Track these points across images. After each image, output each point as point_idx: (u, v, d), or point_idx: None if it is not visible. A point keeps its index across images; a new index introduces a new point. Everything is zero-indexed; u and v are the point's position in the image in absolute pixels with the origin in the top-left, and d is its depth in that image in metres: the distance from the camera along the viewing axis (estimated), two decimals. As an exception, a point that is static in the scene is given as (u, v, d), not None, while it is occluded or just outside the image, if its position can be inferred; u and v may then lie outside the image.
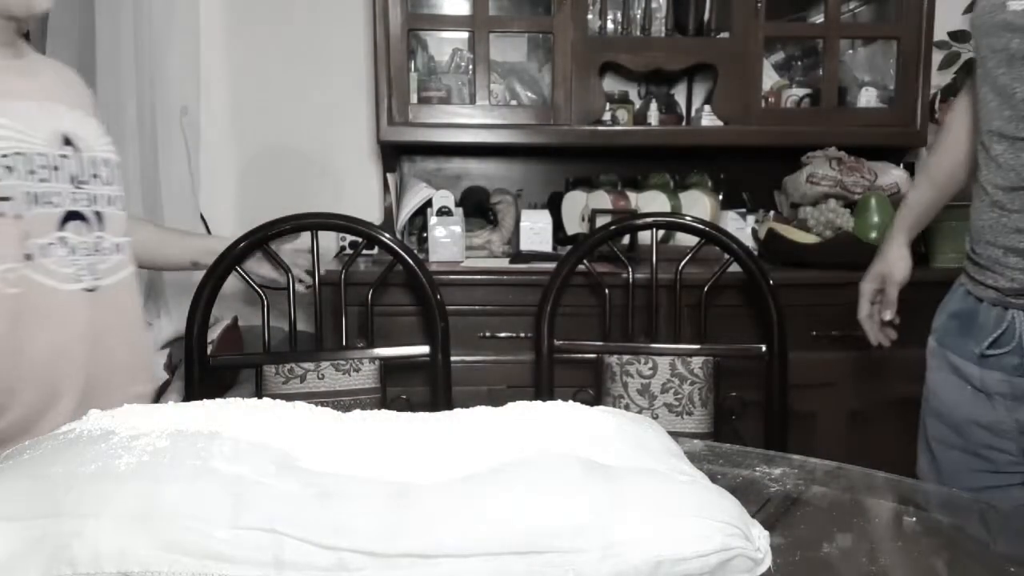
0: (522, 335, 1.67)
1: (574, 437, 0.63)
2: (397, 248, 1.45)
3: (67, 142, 1.03)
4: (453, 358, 1.49)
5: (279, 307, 1.52)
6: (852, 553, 0.65)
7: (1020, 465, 1.06)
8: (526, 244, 1.88)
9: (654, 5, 1.97)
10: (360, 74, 2.19)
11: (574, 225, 2.02)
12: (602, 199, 1.93)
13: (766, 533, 0.56)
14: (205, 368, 1.41)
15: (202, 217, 2.07)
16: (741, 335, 1.58)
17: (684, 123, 2.13)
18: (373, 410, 0.70)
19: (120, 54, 1.80)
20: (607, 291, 1.50)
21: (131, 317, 1.13)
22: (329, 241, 2.12)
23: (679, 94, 2.23)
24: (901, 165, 1.96)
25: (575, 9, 1.88)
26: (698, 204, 1.97)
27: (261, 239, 1.42)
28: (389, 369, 1.49)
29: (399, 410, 0.71)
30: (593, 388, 1.51)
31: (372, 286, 1.48)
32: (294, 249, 1.50)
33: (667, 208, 1.93)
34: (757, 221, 1.98)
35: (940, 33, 2.05)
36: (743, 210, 2.02)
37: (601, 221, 1.72)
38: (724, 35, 1.97)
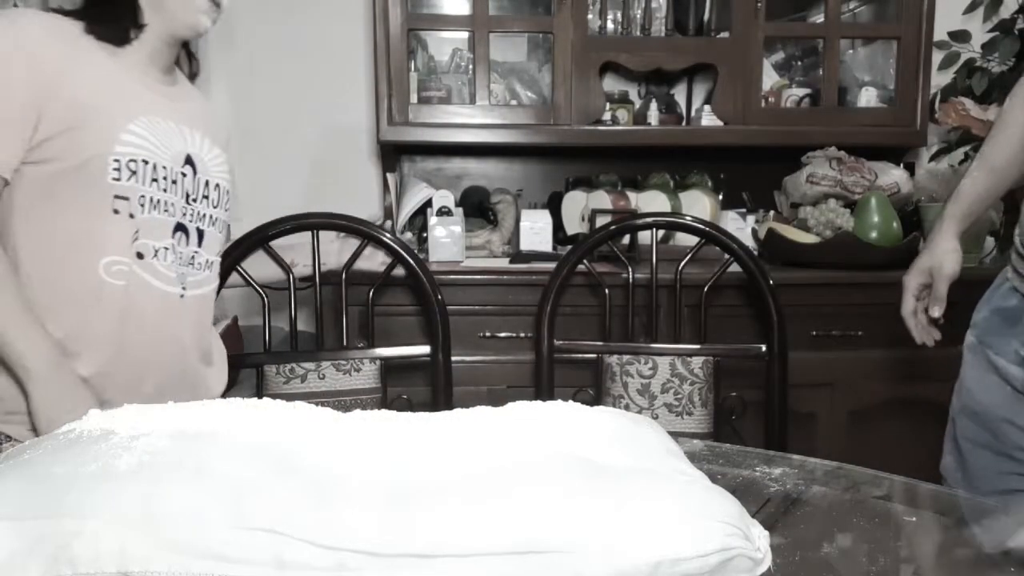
0: (522, 335, 1.67)
1: (574, 437, 0.63)
2: (398, 248, 1.45)
3: (188, 161, 1.13)
4: (453, 358, 1.49)
5: (280, 307, 1.52)
6: (852, 553, 0.65)
7: None
8: (526, 244, 1.88)
9: (654, 5, 1.97)
10: (360, 74, 2.19)
11: (574, 225, 2.02)
12: (602, 199, 1.93)
13: (766, 533, 0.56)
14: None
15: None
16: (741, 335, 1.58)
17: (684, 123, 2.13)
18: (373, 410, 0.70)
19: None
20: (607, 291, 1.50)
21: (205, 326, 1.21)
22: (327, 235, 2.12)
23: (679, 94, 2.23)
24: (901, 165, 1.96)
25: (575, 9, 1.88)
26: (698, 204, 1.97)
27: (261, 239, 1.42)
28: (390, 369, 1.48)
29: (400, 410, 0.71)
30: (593, 388, 1.51)
31: (373, 286, 1.48)
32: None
33: (667, 208, 1.93)
34: (757, 221, 1.98)
35: (940, 33, 2.06)
36: (743, 210, 2.02)
37: (601, 221, 1.72)
38: (724, 35, 1.97)
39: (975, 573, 0.66)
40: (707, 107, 2.00)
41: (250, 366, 1.46)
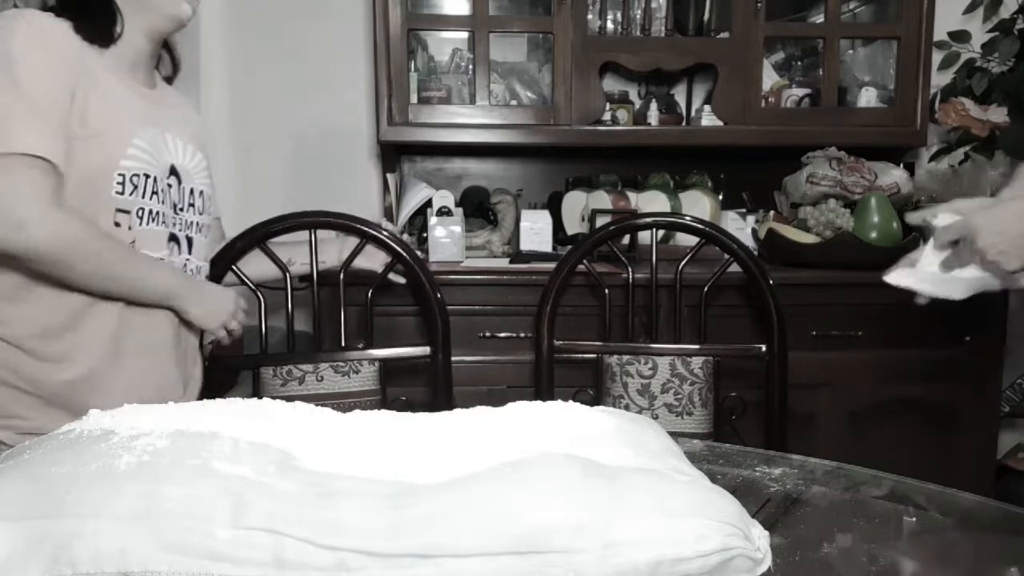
0: (522, 335, 1.67)
1: (574, 437, 0.63)
2: (397, 247, 1.44)
3: (173, 172, 1.13)
4: (453, 358, 1.49)
5: (280, 308, 1.52)
6: (852, 553, 0.65)
7: None
8: (526, 244, 1.88)
9: (654, 5, 1.97)
10: (360, 74, 2.19)
11: (574, 225, 2.02)
12: (602, 199, 1.93)
13: (766, 533, 0.56)
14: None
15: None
16: (741, 335, 1.58)
17: (684, 123, 2.13)
18: (373, 410, 0.70)
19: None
20: (607, 291, 1.50)
21: (195, 328, 1.22)
22: (327, 235, 2.12)
23: (679, 94, 2.23)
24: (901, 165, 1.96)
25: (575, 9, 1.88)
26: (698, 204, 1.97)
27: (259, 237, 1.41)
28: (389, 371, 1.48)
29: (399, 411, 0.71)
30: (593, 388, 1.51)
31: (372, 286, 1.48)
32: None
33: (667, 208, 1.93)
34: (757, 221, 1.98)
35: (940, 33, 2.06)
36: (743, 210, 2.02)
37: (601, 221, 1.72)
38: (724, 35, 1.97)
39: (975, 573, 0.66)
40: (707, 107, 2.00)
41: (246, 368, 1.44)
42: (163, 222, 1.10)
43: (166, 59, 1.25)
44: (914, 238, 1.76)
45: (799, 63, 2.18)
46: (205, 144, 1.25)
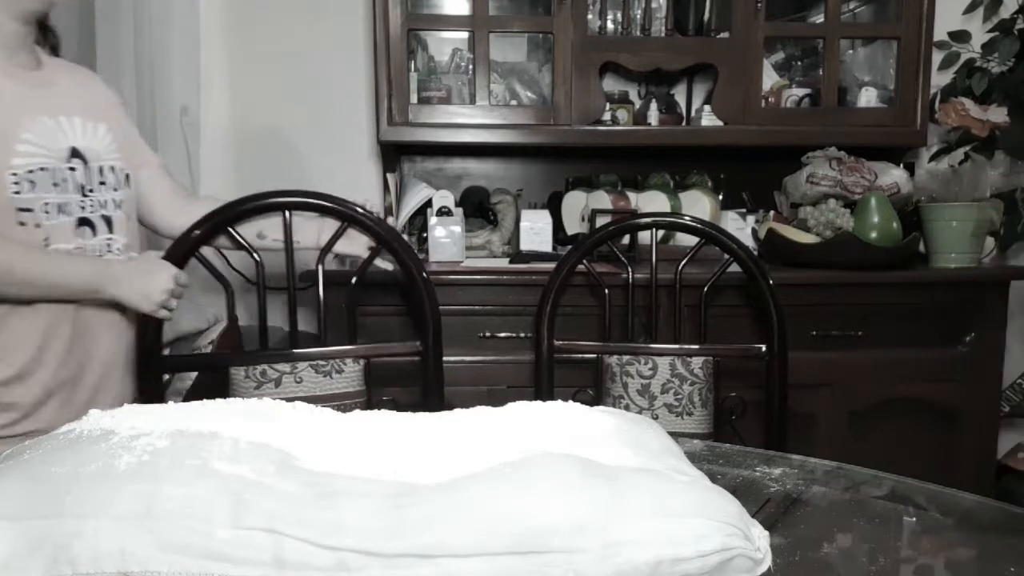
0: (522, 335, 1.67)
1: (574, 437, 0.63)
2: (378, 228, 1.31)
3: (75, 154, 1.10)
4: (454, 358, 1.48)
5: (279, 307, 1.52)
6: (852, 553, 0.65)
7: None
8: (526, 244, 1.88)
9: (654, 5, 1.97)
10: (360, 74, 2.19)
11: (574, 225, 2.02)
12: (602, 199, 1.93)
13: (766, 533, 0.56)
14: (154, 366, 1.27)
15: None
16: (741, 335, 1.58)
17: (684, 123, 2.13)
18: (373, 410, 0.70)
19: (120, 55, 1.81)
20: (607, 291, 1.50)
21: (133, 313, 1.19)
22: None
23: (679, 94, 2.23)
24: (901, 165, 1.96)
25: (575, 9, 1.88)
26: (698, 204, 1.97)
27: (223, 221, 1.28)
28: (375, 370, 1.36)
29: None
30: (593, 388, 1.51)
31: (354, 275, 1.35)
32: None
33: (667, 208, 1.93)
34: (757, 221, 1.98)
35: (940, 33, 2.06)
36: (743, 210, 2.02)
37: (601, 221, 1.72)
38: (724, 35, 1.97)
39: (975, 573, 0.66)
40: (707, 107, 2.00)
41: (211, 367, 1.28)
42: (69, 212, 1.07)
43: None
44: (914, 238, 1.77)
45: (799, 63, 2.18)
46: (112, 113, 1.19)
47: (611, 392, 1.46)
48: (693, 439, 0.94)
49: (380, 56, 1.87)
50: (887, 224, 1.73)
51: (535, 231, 1.89)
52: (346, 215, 1.30)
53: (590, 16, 1.94)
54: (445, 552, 0.49)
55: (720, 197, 2.04)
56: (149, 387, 1.26)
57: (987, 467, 1.82)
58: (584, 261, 1.48)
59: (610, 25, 2.02)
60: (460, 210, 1.87)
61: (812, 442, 1.71)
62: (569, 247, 1.59)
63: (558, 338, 1.48)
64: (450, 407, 0.72)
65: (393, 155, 2.09)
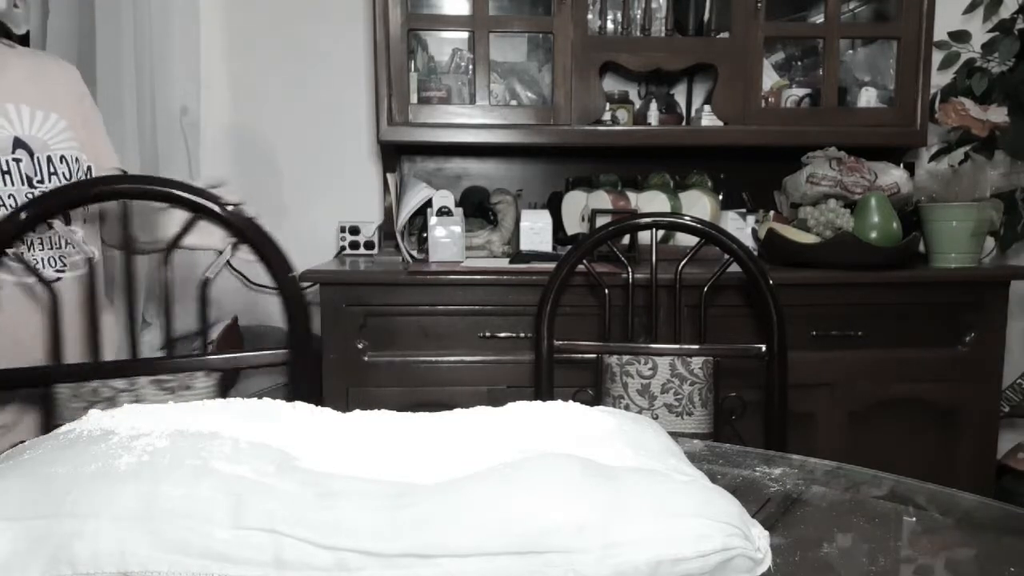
0: (522, 335, 1.67)
1: (574, 437, 0.63)
2: (239, 224, 1.08)
3: (19, 145, 1.06)
4: (454, 358, 1.48)
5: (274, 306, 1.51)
6: (852, 553, 0.65)
7: None
8: (526, 244, 1.88)
9: (654, 5, 1.97)
10: (360, 74, 2.19)
11: (574, 225, 2.02)
12: (602, 199, 1.93)
13: (766, 533, 0.56)
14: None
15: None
16: (741, 335, 1.58)
17: (684, 123, 2.13)
18: (373, 410, 0.70)
19: (120, 55, 1.81)
20: (607, 291, 1.50)
21: (98, 297, 1.13)
22: (328, 235, 2.13)
23: (679, 94, 2.23)
24: (901, 165, 1.96)
25: (575, 9, 1.88)
26: (698, 204, 1.97)
27: (41, 212, 1.01)
28: (234, 384, 1.17)
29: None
30: (593, 388, 1.51)
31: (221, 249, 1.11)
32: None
33: (667, 208, 1.93)
34: (757, 221, 1.98)
35: (940, 33, 2.06)
36: (743, 210, 2.02)
37: (601, 221, 1.72)
38: (724, 35, 1.97)
39: (975, 573, 0.66)
40: (707, 107, 2.00)
41: (29, 386, 1.01)
42: (10, 206, 1.04)
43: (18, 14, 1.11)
44: (914, 238, 1.77)
45: (799, 63, 2.18)
46: (73, 104, 1.14)
47: (611, 392, 1.46)
48: (693, 439, 0.94)
49: (380, 56, 1.87)
50: (887, 224, 1.73)
51: (535, 231, 1.89)
52: (195, 205, 1.06)
53: (590, 16, 1.94)
54: (445, 552, 0.49)
55: (720, 197, 2.04)
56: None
57: (987, 467, 1.82)
58: (584, 261, 1.48)
59: (610, 25, 2.02)
60: (460, 210, 1.87)
61: (812, 442, 1.71)
62: (569, 247, 1.58)
63: (558, 338, 1.48)
64: (450, 407, 0.72)
65: (393, 155, 2.09)
